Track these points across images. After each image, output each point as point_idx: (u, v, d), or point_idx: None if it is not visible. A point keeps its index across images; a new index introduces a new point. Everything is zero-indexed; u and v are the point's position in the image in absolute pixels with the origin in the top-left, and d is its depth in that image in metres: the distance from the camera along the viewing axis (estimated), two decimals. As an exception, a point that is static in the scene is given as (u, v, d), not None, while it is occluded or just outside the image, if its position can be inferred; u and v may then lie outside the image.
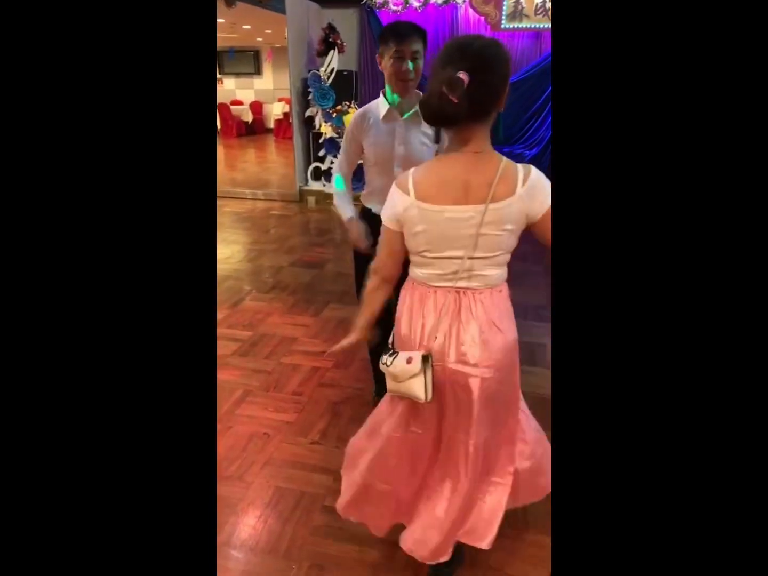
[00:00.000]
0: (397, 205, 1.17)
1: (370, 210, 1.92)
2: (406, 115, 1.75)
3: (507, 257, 1.21)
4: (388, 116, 1.77)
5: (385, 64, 1.70)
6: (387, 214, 1.21)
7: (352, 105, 5.76)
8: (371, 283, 1.31)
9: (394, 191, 1.18)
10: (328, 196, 6.14)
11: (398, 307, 1.32)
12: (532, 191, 1.10)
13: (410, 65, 1.66)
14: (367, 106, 1.85)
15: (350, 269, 2.22)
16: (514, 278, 1.30)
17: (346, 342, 1.33)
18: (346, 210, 1.87)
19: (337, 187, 1.88)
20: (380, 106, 1.79)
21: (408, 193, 1.14)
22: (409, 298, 1.28)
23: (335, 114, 5.59)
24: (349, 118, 5.36)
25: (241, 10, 6.25)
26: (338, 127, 5.61)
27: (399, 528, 1.45)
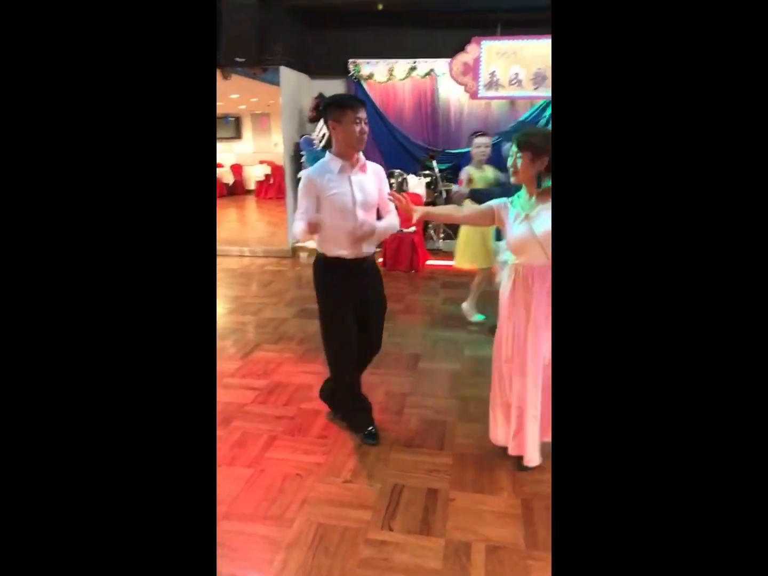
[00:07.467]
0: None
1: (324, 254, 2.28)
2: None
3: None
4: (343, 170, 2.19)
5: (345, 128, 2.11)
6: None
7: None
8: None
9: None
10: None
11: None
12: None
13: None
14: (312, 169, 2.23)
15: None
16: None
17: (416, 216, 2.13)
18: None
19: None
20: (332, 162, 2.19)
21: None
22: None
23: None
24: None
25: (234, 80, 6.63)
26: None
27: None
